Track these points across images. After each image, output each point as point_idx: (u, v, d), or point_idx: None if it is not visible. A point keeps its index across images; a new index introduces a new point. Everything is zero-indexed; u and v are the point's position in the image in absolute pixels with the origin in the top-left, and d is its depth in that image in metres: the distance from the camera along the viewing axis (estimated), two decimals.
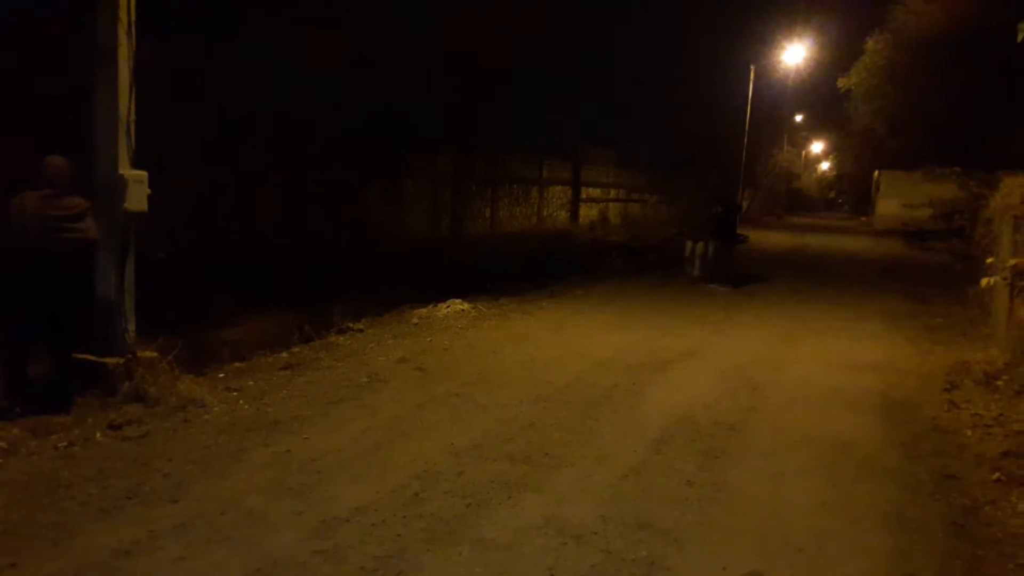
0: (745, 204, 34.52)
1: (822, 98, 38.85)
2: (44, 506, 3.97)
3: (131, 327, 5.95)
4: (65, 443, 4.80)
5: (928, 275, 16.07)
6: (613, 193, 26.99)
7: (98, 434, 4.97)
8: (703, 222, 13.74)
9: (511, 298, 11.02)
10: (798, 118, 50.16)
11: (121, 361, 5.71)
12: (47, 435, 4.90)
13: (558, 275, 13.43)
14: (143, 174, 5.88)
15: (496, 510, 4.14)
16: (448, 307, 9.76)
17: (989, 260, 9.00)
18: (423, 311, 9.58)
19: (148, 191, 5.90)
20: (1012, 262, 7.68)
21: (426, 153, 15.17)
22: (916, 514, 4.32)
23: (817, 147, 58.59)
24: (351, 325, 8.57)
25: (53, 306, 5.41)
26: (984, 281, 8.64)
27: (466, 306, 9.90)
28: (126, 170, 5.80)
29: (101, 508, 3.98)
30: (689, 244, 13.99)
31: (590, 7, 23.67)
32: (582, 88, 24.07)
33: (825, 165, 61.06)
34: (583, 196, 24.09)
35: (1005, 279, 7.93)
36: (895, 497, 4.55)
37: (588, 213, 24.40)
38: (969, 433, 5.75)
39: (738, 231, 15.87)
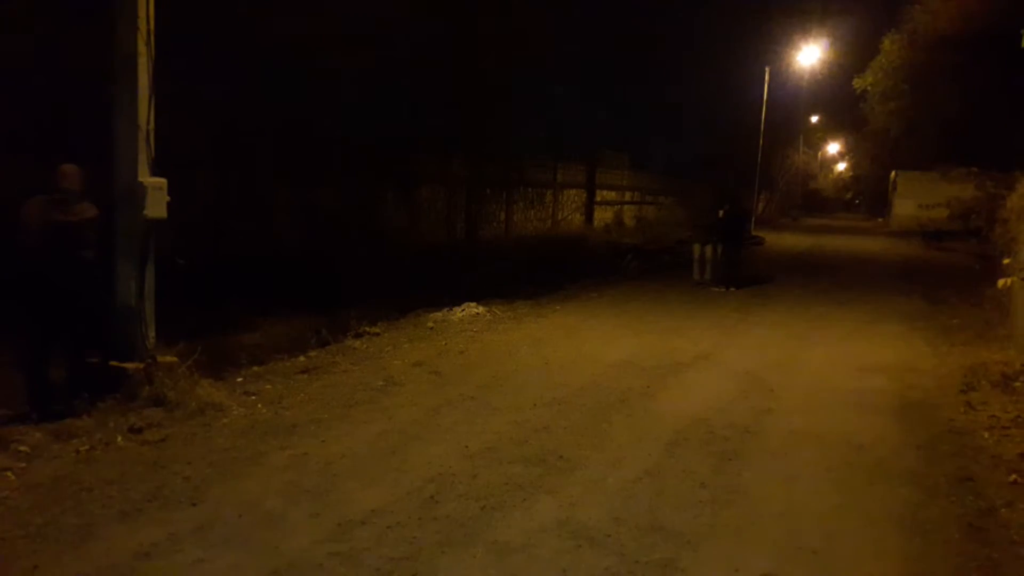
0: (761, 206, 34.38)
1: (838, 99, 38.59)
2: (66, 509, 4.05)
3: (151, 332, 6.04)
4: (86, 447, 4.88)
5: (945, 276, 15.95)
6: (628, 196, 26.97)
7: (119, 438, 5.05)
8: (709, 225, 13.79)
9: (526, 301, 11.05)
10: (814, 119, 49.84)
11: (141, 366, 5.79)
12: (69, 439, 4.98)
13: (572, 278, 13.47)
14: (162, 181, 5.95)
15: (510, 512, 4.17)
16: (463, 311, 9.81)
17: (1006, 261, 8.92)
18: (438, 315, 9.64)
19: (167, 198, 5.97)
20: None
21: (441, 158, 15.23)
22: (932, 516, 4.31)
23: (833, 148, 58.19)
24: (367, 329, 8.63)
25: (64, 311, 5.47)
26: (1001, 282, 8.57)
27: (481, 309, 9.94)
28: (146, 177, 5.88)
29: (122, 511, 4.05)
30: (697, 247, 14.08)
31: (606, 9, 23.67)
32: (597, 90, 24.09)
33: (841, 166, 60.62)
34: (598, 199, 24.08)
35: (1022, 279, 7.87)
36: (911, 499, 4.54)
37: (603, 216, 24.39)
38: (986, 435, 5.73)
39: (753, 233, 15.86)
